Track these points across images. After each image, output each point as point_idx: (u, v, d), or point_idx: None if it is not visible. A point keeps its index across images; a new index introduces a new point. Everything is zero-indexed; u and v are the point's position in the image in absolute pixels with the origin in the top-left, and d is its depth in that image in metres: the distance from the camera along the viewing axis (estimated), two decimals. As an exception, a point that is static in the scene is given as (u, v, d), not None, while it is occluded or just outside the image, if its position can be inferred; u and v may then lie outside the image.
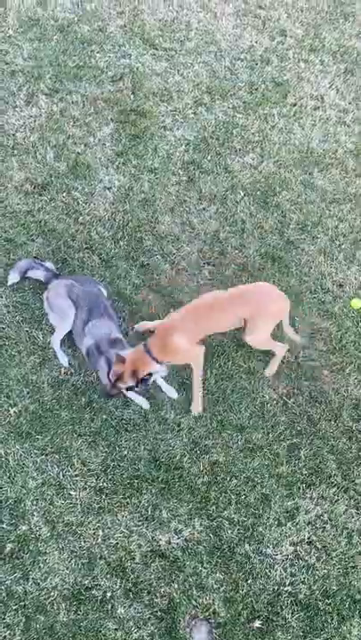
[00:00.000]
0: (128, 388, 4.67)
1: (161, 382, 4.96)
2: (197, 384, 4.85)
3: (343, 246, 5.71)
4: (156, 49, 6.60)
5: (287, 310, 4.88)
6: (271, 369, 5.07)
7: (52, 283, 5.04)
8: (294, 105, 6.45)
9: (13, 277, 5.13)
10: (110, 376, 4.62)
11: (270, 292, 4.79)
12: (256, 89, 6.48)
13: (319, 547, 4.51)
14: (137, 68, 6.43)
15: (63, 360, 4.96)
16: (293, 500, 4.64)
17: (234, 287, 4.87)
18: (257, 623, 4.22)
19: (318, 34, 6.93)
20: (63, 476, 4.56)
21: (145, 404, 4.88)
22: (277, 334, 4.97)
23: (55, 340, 4.97)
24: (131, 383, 4.60)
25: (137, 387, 4.66)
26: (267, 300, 4.73)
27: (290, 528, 4.55)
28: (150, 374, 4.70)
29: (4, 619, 4.07)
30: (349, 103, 6.51)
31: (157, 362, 4.62)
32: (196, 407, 4.88)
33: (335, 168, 6.10)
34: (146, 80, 6.37)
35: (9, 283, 5.14)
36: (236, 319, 4.76)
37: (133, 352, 4.63)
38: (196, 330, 4.68)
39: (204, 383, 4.93)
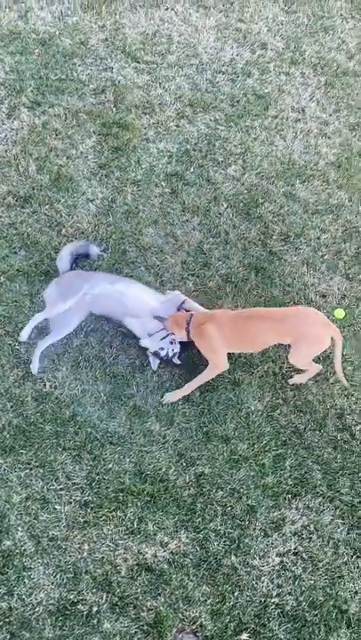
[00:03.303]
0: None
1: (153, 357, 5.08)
2: (196, 384, 4.92)
3: (326, 257, 5.74)
4: (138, 62, 6.62)
5: (334, 341, 4.82)
6: (298, 379, 5.10)
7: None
8: (276, 117, 6.49)
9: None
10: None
11: (315, 318, 4.82)
12: (238, 101, 6.52)
13: (306, 557, 4.51)
14: (119, 81, 6.45)
15: (25, 333, 5.00)
16: (279, 510, 4.64)
17: (279, 308, 5.05)
18: (244, 635, 4.21)
19: (299, 47, 7.00)
20: (48, 490, 4.53)
21: (155, 365, 5.07)
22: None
23: (37, 318, 5.02)
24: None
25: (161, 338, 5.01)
26: (310, 326, 4.77)
27: (276, 539, 4.54)
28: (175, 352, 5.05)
29: (-12, 636, 4.02)
30: (330, 115, 6.56)
31: (187, 335, 4.87)
32: (174, 397, 4.94)
33: (317, 179, 6.15)
34: (128, 93, 6.39)
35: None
36: (274, 340, 4.93)
37: (178, 313, 4.94)
38: (231, 335, 4.82)
39: (189, 395, 4.93)
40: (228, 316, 4.86)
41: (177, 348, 5.03)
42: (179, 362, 5.06)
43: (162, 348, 4.97)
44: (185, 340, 4.91)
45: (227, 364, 4.94)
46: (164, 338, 4.97)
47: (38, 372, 4.92)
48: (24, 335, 4.99)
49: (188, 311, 5.02)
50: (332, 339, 4.78)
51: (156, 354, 5.01)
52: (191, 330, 4.84)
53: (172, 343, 4.98)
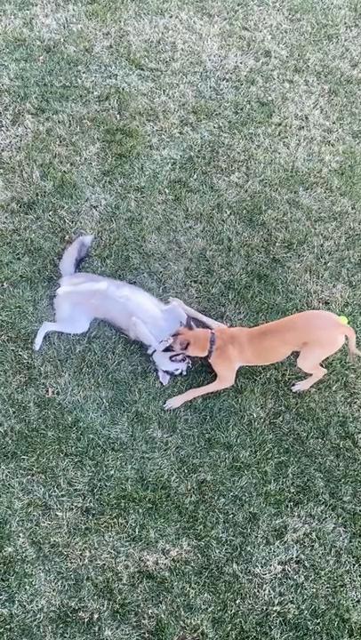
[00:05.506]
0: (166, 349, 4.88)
1: (164, 371, 5.05)
2: (200, 392, 4.94)
3: (329, 264, 5.74)
4: (142, 69, 6.64)
5: (348, 339, 4.78)
6: (303, 386, 5.10)
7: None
8: (279, 124, 6.50)
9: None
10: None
11: (326, 320, 4.79)
12: (241, 109, 6.54)
13: (308, 565, 4.50)
14: (123, 88, 6.47)
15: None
16: (281, 518, 4.63)
17: (288, 318, 4.98)
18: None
19: (302, 55, 7.01)
20: (49, 496, 4.52)
21: (165, 381, 5.03)
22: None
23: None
24: (177, 349, 4.82)
25: (173, 357, 4.91)
26: (321, 328, 4.75)
27: (278, 547, 4.53)
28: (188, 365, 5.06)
29: (-12, 643, 4.01)
30: (333, 123, 6.57)
31: (208, 356, 4.84)
32: (176, 403, 4.92)
33: (320, 187, 6.15)
34: (132, 100, 6.40)
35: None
36: (291, 350, 4.90)
37: (201, 331, 4.90)
38: (251, 354, 4.86)
39: (191, 401, 4.92)
40: (247, 337, 4.85)
41: (190, 363, 5.05)
42: (185, 373, 5.07)
43: (177, 369, 5.00)
44: (205, 356, 4.91)
45: (233, 380, 4.97)
46: (176, 358, 4.94)
47: (39, 349, 5.02)
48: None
49: (192, 322, 5.01)
50: (346, 337, 4.77)
51: (168, 372, 5.02)
52: (215, 352, 4.83)
53: (184, 360, 4.99)
